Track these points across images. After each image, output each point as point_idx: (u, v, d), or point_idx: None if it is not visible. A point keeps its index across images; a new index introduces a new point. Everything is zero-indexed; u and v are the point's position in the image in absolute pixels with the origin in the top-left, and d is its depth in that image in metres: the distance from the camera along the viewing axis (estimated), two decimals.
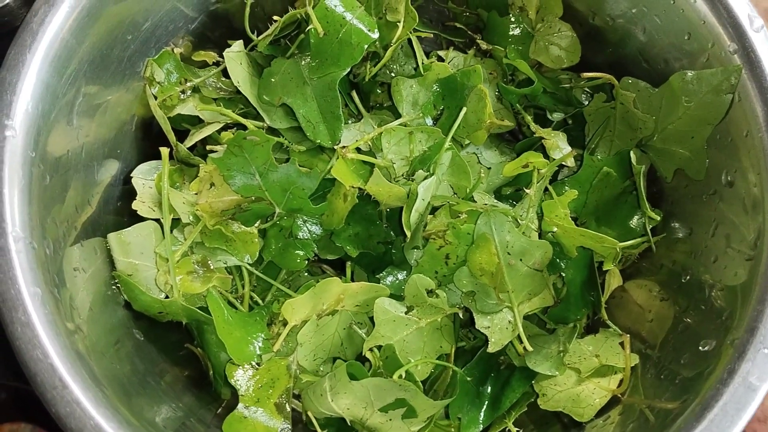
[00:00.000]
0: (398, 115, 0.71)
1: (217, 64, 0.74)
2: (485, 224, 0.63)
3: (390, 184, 0.64)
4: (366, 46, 0.66)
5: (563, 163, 0.68)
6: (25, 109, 0.57)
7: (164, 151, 0.64)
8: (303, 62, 0.68)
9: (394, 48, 0.70)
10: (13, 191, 0.55)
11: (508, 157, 0.72)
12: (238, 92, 0.73)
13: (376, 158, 0.68)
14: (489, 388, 0.67)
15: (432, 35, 0.76)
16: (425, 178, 0.66)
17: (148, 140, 0.72)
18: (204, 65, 0.75)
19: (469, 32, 0.78)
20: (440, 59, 0.74)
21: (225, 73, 0.73)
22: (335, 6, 0.66)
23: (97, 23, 0.62)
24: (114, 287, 0.64)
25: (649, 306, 0.69)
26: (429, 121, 0.70)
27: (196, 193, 0.66)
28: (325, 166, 0.69)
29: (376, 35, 0.66)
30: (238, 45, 0.70)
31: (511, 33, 0.74)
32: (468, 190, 0.67)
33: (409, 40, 0.73)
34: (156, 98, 0.69)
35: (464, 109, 0.66)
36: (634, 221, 0.70)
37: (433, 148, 0.67)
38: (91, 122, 0.65)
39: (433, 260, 0.64)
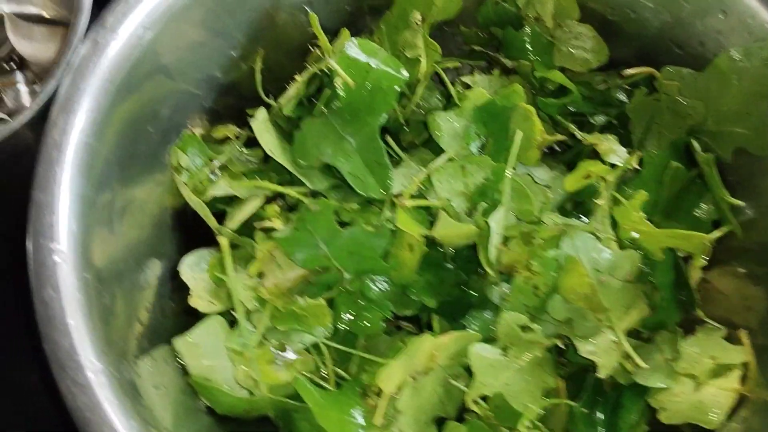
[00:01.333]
0: (437, 151, 0.68)
1: (237, 136, 0.71)
2: (570, 246, 0.60)
3: (458, 224, 0.61)
4: (398, 88, 0.63)
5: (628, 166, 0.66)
6: (69, 229, 0.53)
7: (223, 241, 0.60)
8: (335, 118, 0.65)
9: (423, 84, 0.68)
10: (77, 320, 0.50)
11: (558, 171, 0.70)
12: (266, 161, 0.69)
13: (430, 200, 0.65)
14: (601, 414, 0.63)
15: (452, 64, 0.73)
16: (487, 210, 0.63)
17: (183, 230, 0.68)
18: (223, 140, 0.71)
19: (490, 53, 0.75)
20: (466, 86, 0.72)
21: (248, 144, 0.70)
22: (357, 55, 0.64)
23: (117, 120, 0.58)
24: (192, 393, 0.60)
25: (740, 293, 0.66)
26: (475, 151, 0.67)
27: (252, 276, 0.62)
28: (378, 218, 0.65)
29: (406, 75, 0.64)
30: (261, 113, 0.67)
31: (530, 46, 0.72)
32: (536, 213, 0.64)
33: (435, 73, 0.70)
34: (187, 185, 0.65)
35: (519, 133, 0.63)
36: (701, 210, 0.68)
37: (489, 178, 0.64)
38: (128, 224, 0.61)
39: (522, 294, 0.61)
